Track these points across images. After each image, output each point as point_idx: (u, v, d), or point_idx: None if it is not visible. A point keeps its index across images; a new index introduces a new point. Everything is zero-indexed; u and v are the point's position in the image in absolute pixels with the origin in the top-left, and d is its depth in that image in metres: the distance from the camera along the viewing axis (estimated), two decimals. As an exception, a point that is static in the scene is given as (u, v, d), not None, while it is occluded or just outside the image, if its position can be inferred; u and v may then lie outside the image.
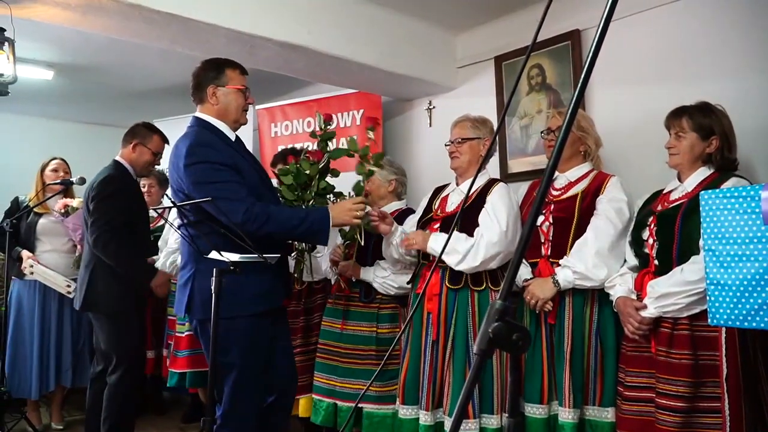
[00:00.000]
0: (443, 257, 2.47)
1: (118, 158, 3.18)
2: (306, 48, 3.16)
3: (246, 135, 4.69)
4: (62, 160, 3.86)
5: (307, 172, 2.63)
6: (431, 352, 2.54)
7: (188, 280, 2.33)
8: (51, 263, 3.68)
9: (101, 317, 3.02)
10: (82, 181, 3.46)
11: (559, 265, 2.41)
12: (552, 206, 2.51)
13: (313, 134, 2.78)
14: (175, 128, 5.13)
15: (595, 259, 2.32)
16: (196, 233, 2.27)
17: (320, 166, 2.63)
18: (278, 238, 2.33)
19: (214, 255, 2.29)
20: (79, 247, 3.75)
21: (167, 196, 2.46)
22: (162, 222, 4.10)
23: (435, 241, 2.52)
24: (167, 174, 4.42)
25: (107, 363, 3.02)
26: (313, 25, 3.17)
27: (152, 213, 4.14)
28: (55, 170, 3.78)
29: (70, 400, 4.23)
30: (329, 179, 2.70)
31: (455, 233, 2.49)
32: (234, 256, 2.24)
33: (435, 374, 2.52)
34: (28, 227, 3.69)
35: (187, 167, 2.25)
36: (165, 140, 3.27)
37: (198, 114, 2.43)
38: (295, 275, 2.81)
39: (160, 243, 3.92)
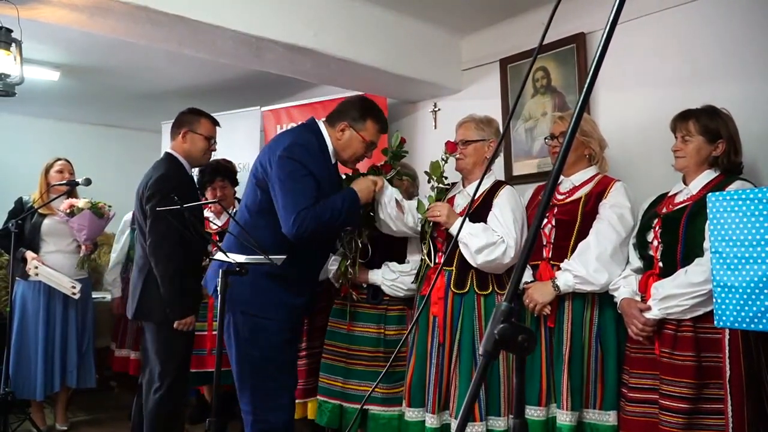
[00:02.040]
0: (463, 240, 2.49)
1: (170, 151, 2.99)
2: (312, 50, 3.17)
3: (251, 136, 4.74)
4: (66, 160, 3.87)
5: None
6: (437, 354, 2.54)
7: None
8: (56, 264, 3.69)
9: (153, 326, 2.84)
10: (88, 182, 3.47)
11: (560, 268, 2.41)
12: (555, 209, 2.51)
13: (385, 151, 2.84)
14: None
15: (596, 263, 2.32)
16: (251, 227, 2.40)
17: (387, 178, 2.71)
18: (334, 230, 2.50)
19: (220, 256, 2.30)
20: (83, 247, 3.77)
21: (174, 197, 2.45)
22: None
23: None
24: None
25: (152, 375, 2.84)
26: (319, 27, 3.18)
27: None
28: (60, 171, 3.80)
29: (75, 400, 4.24)
30: None
31: (481, 225, 2.52)
32: (240, 257, 2.25)
33: (441, 377, 2.52)
34: (33, 228, 3.70)
35: (281, 158, 2.36)
36: (215, 122, 3.05)
37: (320, 122, 2.57)
38: (340, 279, 2.90)
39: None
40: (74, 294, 3.63)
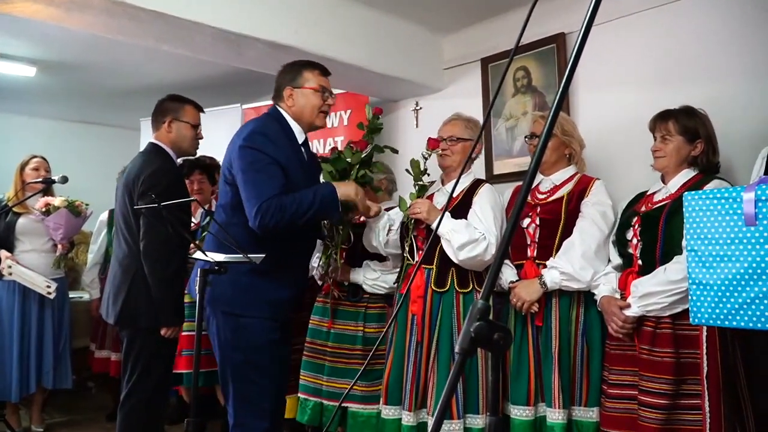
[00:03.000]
0: (445, 236, 2.46)
1: (156, 141, 2.75)
2: (294, 48, 3.15)
3: (232, 133, 4.69)
4: (42, 158, 3.80)
5: (348, 160, 2.59)
6: (415, 352, 2.54)
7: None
8: (31, 263, 3.63)
9: (138, 333, 2.61)
10: (64, 179, 3.41)
11: (545, 266, 2.43)
12: (538, 208, 2.53)
13: (360, 126, 2.73)
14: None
15: (582, 260, 2.35)
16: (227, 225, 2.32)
17: (362, 156, 2.58)
18: (299, 225, 2.29)
19: (199, 255, 2.28)
20: (60, 247, 3.71)
21: (152, 196, 2.42)
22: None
23: (443, 220, 2.50)
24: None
25: (131, 382, 2.61)
26: (300, 24, 3.16)
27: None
28: (35, 169, 3.73)
29: (51, 402, 4.19)
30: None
31: (464, 221, 2.50)
32: (219, 256, 2.23)
33: (419, 375, 2.52)
34: (7, 227, 3.63)
35: (241, 148, 2.27)
36: (200, 108, 2.86)
37: (278, 106, 2.45)
38: (322, 271, 2.81)
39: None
40: (50, 294, 3.58)
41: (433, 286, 2.54)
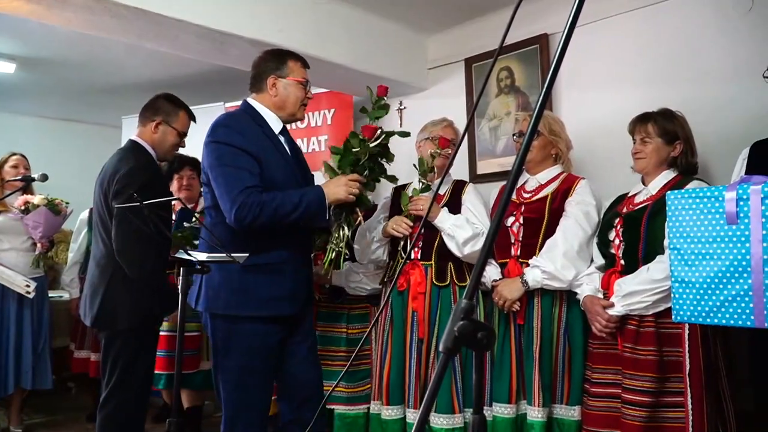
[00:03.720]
0: (448, 232, 2.49)
1: (136, 139, 2.67)
2: (278, 46, 3.13)
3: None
4: (22, 155, 3.75)
5: (355, 149, 2.35)
6: (417, 349, 2.55)
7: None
8: (9, 262, 3.57)
9: (116, 334, 2.52)
10: (44, 177, 3.37)
11: (528, 265, 2.44)
12: (522, 207, 2.55)
13: (363, 110, 2.52)
14: (142, 125, 5.12)
15: (564, 260, 2.36)
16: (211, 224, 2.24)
17: (371, 145, 2.35)
18: (277, 227, 2.17)
19: (180, 254, 2.26)
20: (39, 245, 3.66)
21: (133, 194, 2.39)
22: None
23: (445, 216, 2.53)
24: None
25: (109, 386, 2.52)
26: (285, 23, 3.15)
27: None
28: (14, 166, 3.68)
29: (31, 402, 4.13)
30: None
31: (463, 217, 2.56)
32: (202, 255, 2.21)
33: (420, 372, 2.53)
34: (-15, 225, 3.58)
35: (207, 144, 2.20)
36: (192, 117, 2.78)
37: (249, 99, 2.35)
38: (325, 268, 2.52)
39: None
40: (29, 293, 3.52)
41: (434, 281, 2.58)
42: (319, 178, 2.43)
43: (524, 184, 2.64)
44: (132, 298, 2.49)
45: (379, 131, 2.38)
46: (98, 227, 2.63)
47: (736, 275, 1.63)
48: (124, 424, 2.53)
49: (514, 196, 2.61)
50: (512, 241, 2.53)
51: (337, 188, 2.23)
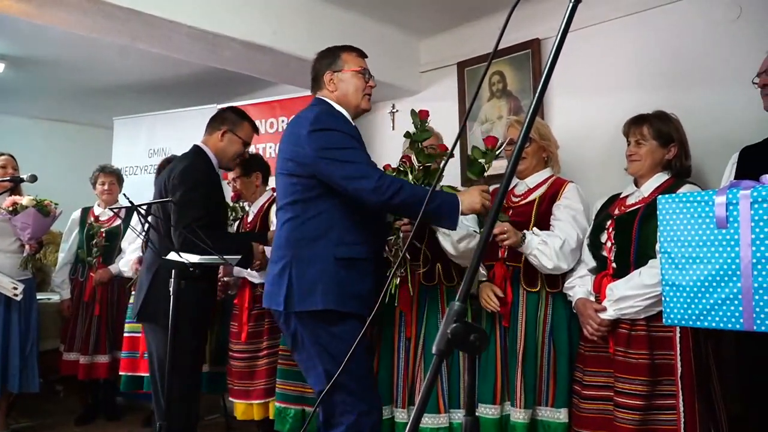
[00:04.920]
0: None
1: (201, 145, 2.79)
2: (271, 48, 3.15)
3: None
4: (10, 156, 3.72)
5: (481, 159, 2.38)
6: (405, 349, 2.56)
7: (284, 269, 2.12)
8: (-3, 264, 3.55)
9: (159, 330, 2.58)
10: (33, 178, 3.34)
11: (514, 268, 2.46)
12: (510, 211, 2.56)
13: (407, 134, 2.51)
14: (134, 128, 5.12)
15: (559, 252, 2.36)
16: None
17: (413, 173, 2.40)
18: (406, 211, 2.17)
19: (172, 256, 2.25)
20: (28, 247, 3.63)
21: (125, 195, 2.39)
22: (117, 222, 4.03)
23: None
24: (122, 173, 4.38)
25: (162, 382, 2.55)
26: (278, 25, 3.15)
27: (107, 213, 4.09)
28: (2, 167, 3.65)
29: (18, 406, 4.08)
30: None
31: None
32: (193, 258, 2.20)
33: (408, 371, 2.54)
34: (-27, 226, 3.55)
35: (312, 133, 2.10)
36: (256, 129, 2.91)
37: (319, 95, 2.32)
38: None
39: (123, 244, 3.85)
40: (16, 295, 3.49)
41: (422, 281, 2.58)
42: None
43: (514, 187, 2.64)
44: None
45: (498, 142, 2.42)
46: (152, 227, 2.65)
47: (726, 279, 1.65)
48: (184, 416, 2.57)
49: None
50: (500, 244, 2.54)
51: (472, 198, 2.17)
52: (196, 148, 2.77)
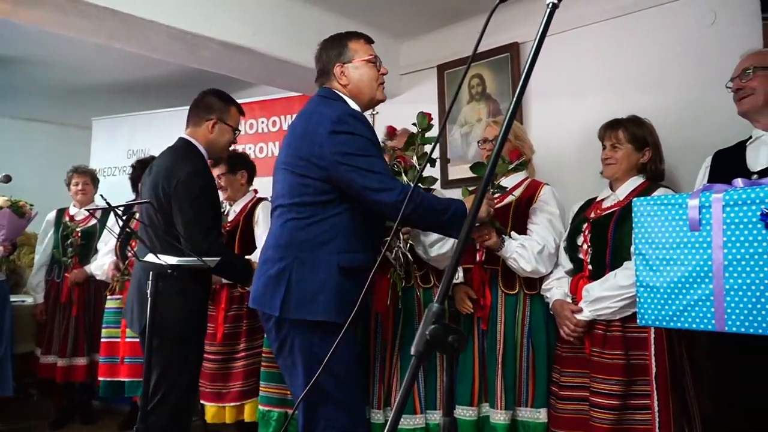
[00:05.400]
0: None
1: (189, 138, 2.56)
2: (250, 49, 3.14)
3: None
4: None
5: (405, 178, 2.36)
6: (381, 350, 2.56)
7: (283, 271, 1.98)
8: (-30, 266, 3.49)
9: (163, 344, 2.34)
10: (7, 179, 3.29)
11: (492, 271, 2.48)
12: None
13: (411, 136, 2.46)
14: (112, 128, 5.06)
15: (538, 256, 2.38)
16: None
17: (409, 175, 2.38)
18: (422, 223, 2.11)
19: (150, 258, 2.22)
20: (1, 248, 3.57)
21: (101, 196, 2.35)
22: (93, 221, 3.98)
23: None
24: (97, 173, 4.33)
25: (153, 396, 2.36)
26: (258, 26, 3.14)
27: (83, 213, 4.04)
28: (-24, 167, 3.59)
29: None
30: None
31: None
32: (172, 259, 2.17)
33: (384, 372, 2.55)
34: (-55, 228, 3.48)
35: (333, 134, 1.96)
36: (241, 111, 2.68)
37: (329, 86, 2.16)
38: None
39: (99, 245, 3.80)
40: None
41: (396, 283, 2.56)
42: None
43: (489, 189, 2.66)
44: (180, 305, 2.39)
45: (522, 158, 2.41)
46: (146, 230, 2.53)
47: (699, 280, 1.68)
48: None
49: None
50: (477, 246, 2.56)
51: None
52: (185, 143, 2.56)
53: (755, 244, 1.57)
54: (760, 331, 1.56)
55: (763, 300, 1.55)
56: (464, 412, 2.44)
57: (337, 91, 2.14)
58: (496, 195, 2.46)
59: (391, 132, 2.58)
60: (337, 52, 2.15)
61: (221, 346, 3.09)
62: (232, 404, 3.06)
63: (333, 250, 1.97)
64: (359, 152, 1.95)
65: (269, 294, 2.00)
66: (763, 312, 1.55)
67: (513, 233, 2.45)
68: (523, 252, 2.36)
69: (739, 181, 1.70)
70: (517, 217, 2.51)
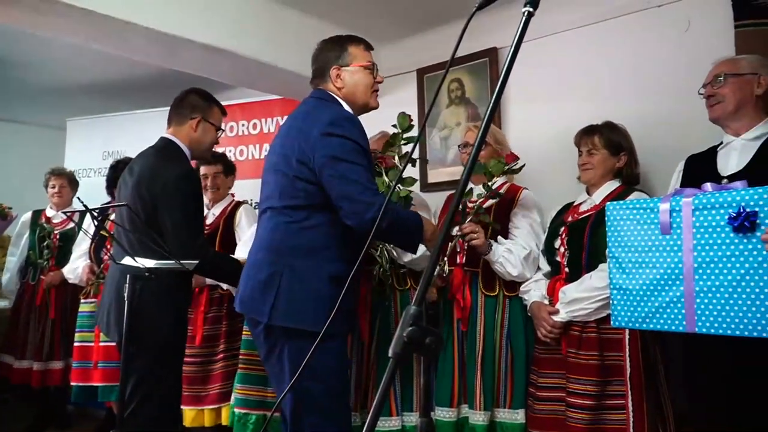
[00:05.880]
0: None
1: (172, 138, 2.49)
2: (231, 52, 3.13)
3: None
4: None
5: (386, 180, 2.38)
6: (358, 352, 2.57)
7: (273, 277, 1.95)
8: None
9: (142, 351, 2.27)
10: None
11: (472, 273, 2.50)
12: (469, 217, 2.60)
13: (393, 136, 2.48)
14: (88, 129, 5.00)
15: (524, 261, 2.44)
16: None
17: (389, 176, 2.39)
18: (390, 239, 2.12)
19: (127, 261, 2.20)
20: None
21: (78, 199, 2.32)
22: (71, 225, 3.93)
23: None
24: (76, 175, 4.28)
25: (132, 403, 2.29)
26: (239, 29, 3.14)
27: (61, 215, 3.99)
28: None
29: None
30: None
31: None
32: (149, 262, 2.15)
33: (361, 375, 2.55)
34: None
35: (325, 136, 1.94)
36: (223, 110, 2.64)
37: (323, 88, 2.16)
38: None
39: (73, 247, 3.76)
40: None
41: (373, 285, 2.61)
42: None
43: (470, 193, 2.69)
44: (160, 310, 2.33)
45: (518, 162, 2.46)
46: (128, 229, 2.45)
47: (670, 283, 1.72)
48: None
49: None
50: (458, 249, 2.58)
51: (428, 226, 2.10)
52: (168, 143, 2.49)
53: (723, 247, 1.62)
54: (729, 332, 1.60)
55: (731, 301, 1.60)
56: (444, 413, 2.46)
57: (331, 93, 2.13)
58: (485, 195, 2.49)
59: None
60: (336, 55, 2.14)
61: (200, 349, 3.07)
62: (211, 407, 3.04)
63: (324, 258, 1.95)
64: (347, 158, 1.93)
65: (258, 300, 1.97)
66: (732, 313, 1.59)
67: (500, 237, 2.48)
68: (509, 257, 2.41)
69: (708, 186, 1.74)
70: (496, 220, 2.54)
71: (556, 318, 2.27)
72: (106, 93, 4.93)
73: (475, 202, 2.62)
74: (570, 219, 2.41)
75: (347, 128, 1.97)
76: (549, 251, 2.44)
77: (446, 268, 2.47)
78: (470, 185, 2.68)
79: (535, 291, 2.42)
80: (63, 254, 3.91)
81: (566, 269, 2.34)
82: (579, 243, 2.30)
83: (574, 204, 2.48)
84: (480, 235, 2.35)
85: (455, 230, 2.40)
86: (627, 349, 2.16)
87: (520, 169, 2.50)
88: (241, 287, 2.07)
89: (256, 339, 2.08)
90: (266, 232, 2.04)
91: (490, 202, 2.60)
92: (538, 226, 2.54)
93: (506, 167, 2.43)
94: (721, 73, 2.09)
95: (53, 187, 4.02)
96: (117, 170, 3.43)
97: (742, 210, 1.58)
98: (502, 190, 2.61)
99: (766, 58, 2.10)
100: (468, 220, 2.40)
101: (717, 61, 2.17)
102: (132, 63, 3.89)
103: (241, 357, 2.95)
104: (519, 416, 2.42)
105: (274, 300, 1.93)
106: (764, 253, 1.56)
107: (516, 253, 2.41)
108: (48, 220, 4.00)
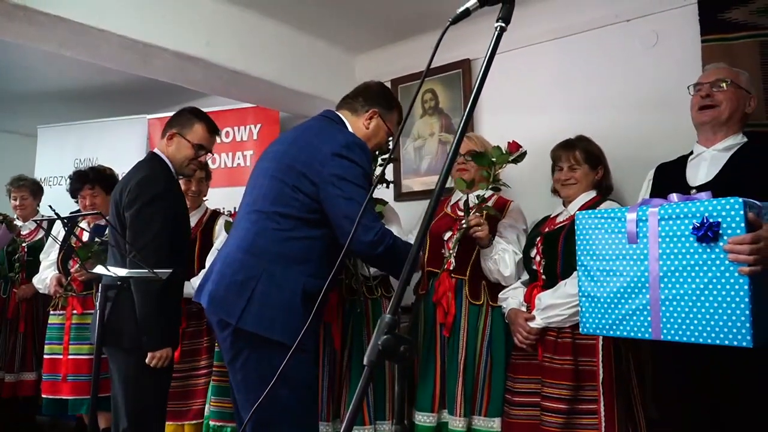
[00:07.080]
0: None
1: (156, 151, 2.53)
2: (203, 60, 3.11)
3: (137, 145, 4.55)
4: None
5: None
6: (330, 362, 2.56)
7: (249, 280, 1.93)
8: None
9: (122, 354, 2.29)
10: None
11: (458, 279, 2.54)
12: (459, 223, 2.62)
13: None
14: (59, 136, 4.92)
15: (516, 264, 2.49)
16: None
17: (509, 159, 2.47)
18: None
19: (99, 270, 2.18)
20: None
21: (50, 207, 2.28)
22: (39, 236, 3.87)
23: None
24: (41, 183, 4.20)
25: (118, 414, 2.29)
26: (212, 36, 3.12)
27: (29, 225, 3.91)
28: None
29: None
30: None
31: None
32: (122, 271, 2.14)
33: (333, 385, 2.55)
34: None
35: (337, 157, 1.98)
36: (213, 131, 2.59)
37: (342, 115, 2.26)
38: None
39: (42, 256, 3.68)
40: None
41: (345, 293, 2.62)
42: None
43: (458, 201, 2.72)
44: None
45: (521, 149, 2.47)
46: (113, 242, 2.45)
47: (636, 291, 1.76)
48: None
49: (450, 211, 2.73)
50: (446, 254, 2.61)
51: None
52: (151, 155, 2.52)
53: (687, 256, 1.66)
54: (693, 339, 1.64)
55: (695, 309, 1.64)
56: (424, 418, 2.48)
57: (344, 119, 2.24)
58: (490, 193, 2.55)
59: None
60: (383, 106, 2.29)
61: (180, 364, 2.96)
62: (192, 422, 2.97)
63: (302, 271, 1.95)
64: (354, 180, 1.96)
65: (231, 301, 1.94)
66: (695, 321, 1.64)
67: (497, 237, 2.52)
68: (505, 256, 2.46)
69: (674, 196, 1.79)
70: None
71: (532, 324, 2.30)
72: (77, 100, 4.86)
73: (481, 196, 2.62)
74: (546, 229, 2.44)
75: (359, 155, 2.02)
76: (526, 260, 2.48)
77: (449, 252, 2.55)
78: (459, 195, 2.71)
79: (512, 299, 2.45)
80: (33, 266, 3.83)
81: (543, 277, 2.38)
82: (554, 251, 2.34)
83: (552, 216, 2.53)
84: (485, 228, 2.41)
85: (462, 222, 2.47)
86: (600, 355, 2.20)
87: (523, 156, 2.49)
88: (212, 284, 2.01)
89: (222, 343, 2.05)
90: (249, 234, 2.02)
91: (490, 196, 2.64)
92: (523, 236, 2.58)
93: (510, 157, 2.46)
94: (726, 78, 2.05)
95: (15, 200, 3.95)
96: (72, 181, 3.40)
97: (705, 220, 1.62)
98: (490, 203, 2.64)
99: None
100: (473, 212, 2.45)
101: (714, 66, 2.17)
102: (104, 70, 3.85)
103: (214, 369, 2.92)
104: (495, 424, 2.44)
105: (247, 303, 1.91)
106: (726, 262, 1.59)
107: (511, 255, 2.47)
108: (18, 233, 3.92)
